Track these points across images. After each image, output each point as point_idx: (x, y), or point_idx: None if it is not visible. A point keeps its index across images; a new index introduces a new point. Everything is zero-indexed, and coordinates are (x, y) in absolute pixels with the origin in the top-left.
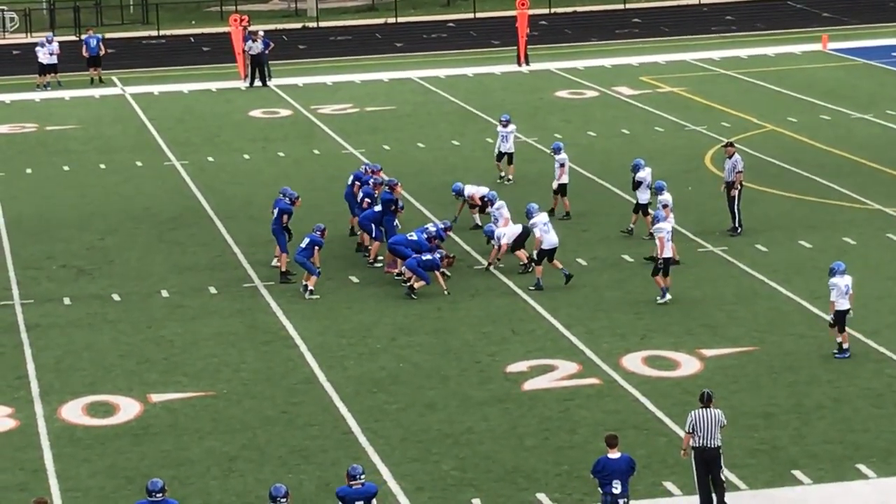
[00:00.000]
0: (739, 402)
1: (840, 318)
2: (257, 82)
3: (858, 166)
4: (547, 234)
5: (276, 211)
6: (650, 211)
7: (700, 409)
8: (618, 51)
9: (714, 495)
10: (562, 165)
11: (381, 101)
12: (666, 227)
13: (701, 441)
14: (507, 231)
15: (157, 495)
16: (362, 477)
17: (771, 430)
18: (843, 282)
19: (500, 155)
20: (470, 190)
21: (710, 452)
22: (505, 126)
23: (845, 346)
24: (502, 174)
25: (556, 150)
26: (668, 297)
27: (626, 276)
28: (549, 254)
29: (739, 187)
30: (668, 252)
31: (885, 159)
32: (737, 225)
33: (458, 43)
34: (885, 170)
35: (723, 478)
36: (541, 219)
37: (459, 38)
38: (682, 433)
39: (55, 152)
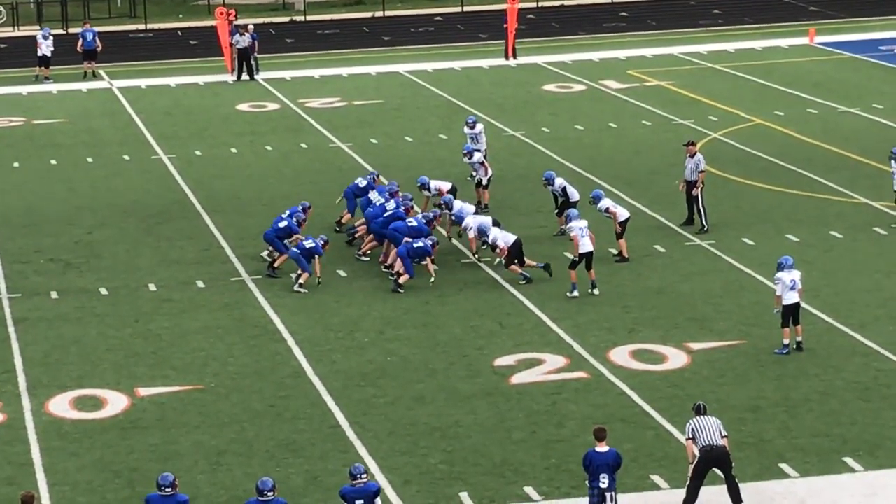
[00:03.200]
0: (726, 395)
1: (788, 313)
2: (244, 76)
3: (845, 160)
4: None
5: (284, 222)
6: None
7: (697, 419)
8: (605, 44)
9: (730, 498)
10: (482, 163)
11: (368, 95)
12: (577, 224)
13: (706, 440)
14: (500, 235)
15: (167, 490)
16: (364, 476)
17: (758, 423)
18: (790, 277)
19: (472, 154)
20: (436, 184)
21: (718, 450)
22: (472, 128)
23: (785, 341)
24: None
25: (469, 154)
26: (577, 293)
27: (614, 269)
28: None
29: (702, 185)
30: (585, 247)
31: (871, 153)
32: (704, 223)
33: (445, 37)
34: (871, 163)
35: (735, 477)
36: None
37: (447, 31)
38: (669, 426)
39: (43, 146)
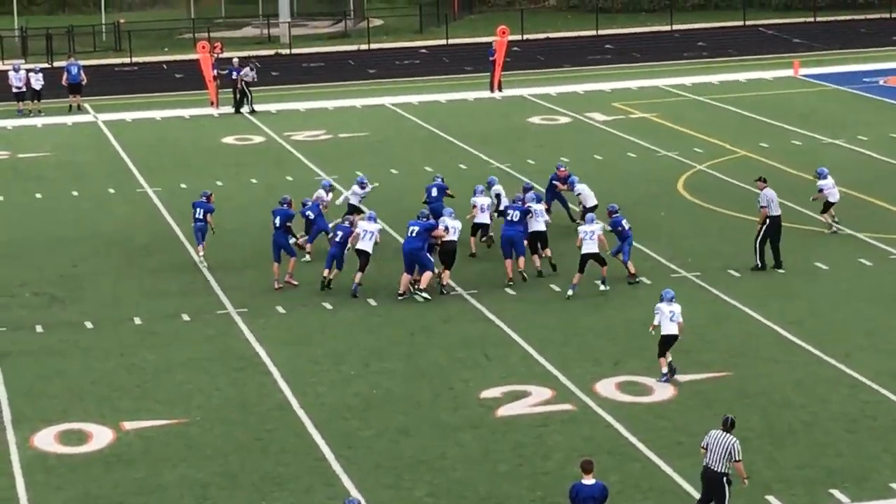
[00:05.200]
0: (713, 427)
1: (664, 343)
2: (245, 108)
3: None
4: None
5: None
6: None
7: (718, 431)
8: (590, 77)
9: None
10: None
11: (354, 128)
12: (585, 227)
13: (706, 460)
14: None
15: None
16: None
17: (744, 454)
18: (669, 308)
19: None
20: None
21: (710, 473)
22: (363, 188)
23: (663, 369)
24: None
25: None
26: (571, 292)
27: (600, 301)
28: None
29: (761, 224)
30: (587, 248)
31: (856, 184)
32: (757, 262)
33: (430, 69)
34: (856, 195)
35: None
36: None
37: (432, 64)
38: (655, 458)
39: (28, 179)
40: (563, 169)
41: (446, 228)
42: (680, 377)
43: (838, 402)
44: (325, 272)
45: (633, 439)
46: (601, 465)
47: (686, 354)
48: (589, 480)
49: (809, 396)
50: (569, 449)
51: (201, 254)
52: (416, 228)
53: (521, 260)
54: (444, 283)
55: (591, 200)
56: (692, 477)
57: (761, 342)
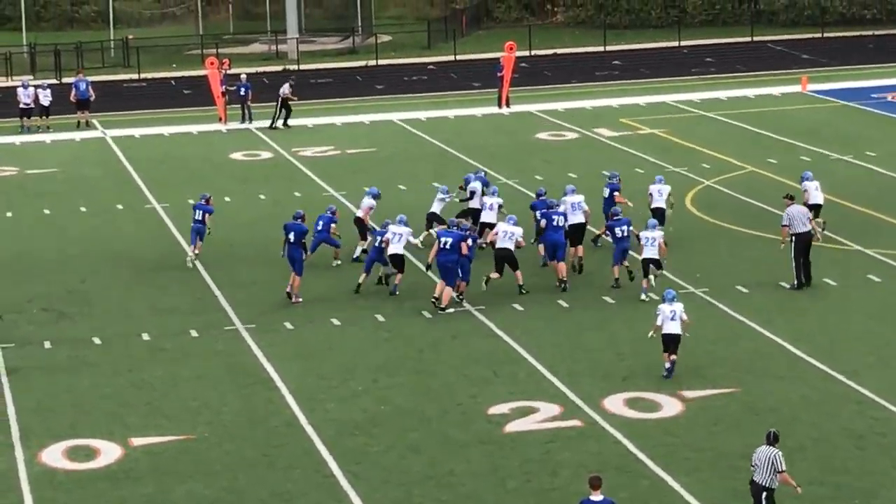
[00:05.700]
0: (721, 443)
1: (667, 341)
2: (279, 122)
3: (838, 207)
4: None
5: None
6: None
7: (763, 446)
8: (598, 93)
9: None
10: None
11: (362, 144)
12: (644, 233)
13: (754, 475)
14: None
15: None
16: None
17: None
18: (670, 308)
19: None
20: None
21: (754, 486)
22: (446, 194)
23: (666, 364)
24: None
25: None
26: (644, 297)
27: (608, 316)
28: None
29: (785, 240)
30: (646, 254)
31: (864, 200)
32: (794, 280)
33: (438, 85)
34: (864, 211)
35: None
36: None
37: (440, 80)
38: (664, 474)
39: (36, 195)
40: (618, 178)
41: (496, 234)
42: (688, 393)
43: (847, 418)
44: (361, 277)
45: (641, 455)
46: (609, 481)
47: (694, 370)
48: (597, 497)
49: (818, 413)
50: (577, 465)
51: (196, 252)
52: (449, 240)
53: (562, 265)
54: (520, 283)
55: (657, 202)
56: (700, 493)
57: (769, 358)
